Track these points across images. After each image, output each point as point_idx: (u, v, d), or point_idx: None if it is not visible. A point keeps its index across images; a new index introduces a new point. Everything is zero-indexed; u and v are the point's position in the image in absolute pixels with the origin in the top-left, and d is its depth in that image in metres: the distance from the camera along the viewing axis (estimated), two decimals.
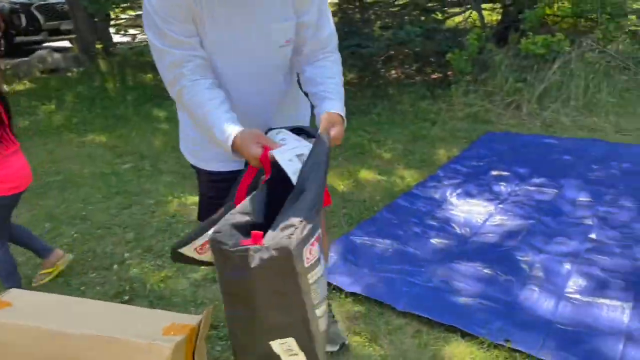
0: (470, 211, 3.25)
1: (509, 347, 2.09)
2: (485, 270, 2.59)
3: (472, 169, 3.89)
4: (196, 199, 2.89)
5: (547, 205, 3.25)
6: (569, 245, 2.81)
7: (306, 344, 1.25)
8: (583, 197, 3.37)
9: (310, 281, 1.20)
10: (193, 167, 1.83)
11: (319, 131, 1.47)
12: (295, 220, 1.18)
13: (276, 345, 1.25)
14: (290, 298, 1.19)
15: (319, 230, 1.24)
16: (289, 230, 1.16)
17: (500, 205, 3.29)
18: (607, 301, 2.33)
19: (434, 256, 2.75)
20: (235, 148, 1.44)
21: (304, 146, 1.44)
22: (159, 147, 4.72)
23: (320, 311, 1.26)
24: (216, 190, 1.75)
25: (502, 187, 3.54)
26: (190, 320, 1.62)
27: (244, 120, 1.52)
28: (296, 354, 1.26)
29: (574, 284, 2.47)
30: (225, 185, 1.58)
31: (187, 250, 1.48)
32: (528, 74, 5.24)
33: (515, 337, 2.14)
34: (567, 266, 2.61)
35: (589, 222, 3.04)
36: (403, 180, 3.82)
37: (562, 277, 2.53)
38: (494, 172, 3.80)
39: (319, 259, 1.22)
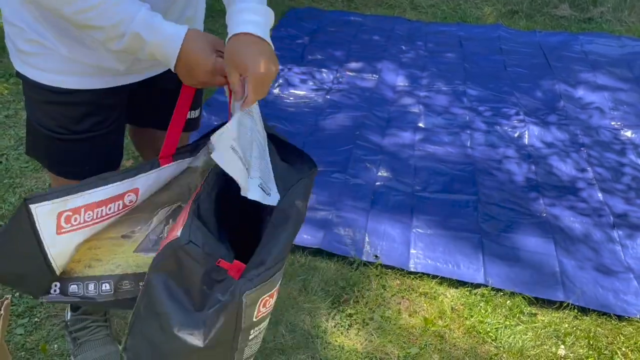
0: (298, 105, 2.95)
1: (379, 264, 1.95)
2: (335, 175, 2.37)
3: (287, 52, 3.53)
4: None
5: (372, 94, 3.11)
6: (402, 137, 2.73)
7: None
8: (401, 82, 3.31)
9: (251, 337, 0.88)
10: (19, 75, 1.12)
11: (246, 93, 0.92)
12: (268, 257, 0.83)
13: None
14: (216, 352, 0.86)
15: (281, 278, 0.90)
16: (255, 271, 0.81)
17: (328, 96, 3.05)
18: (456, 197, 2.32)
19: None
20: (182, 55, 0.93)
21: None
22: None
23: None
24: (59, 119, 1.10)
25: (324, 75, 3.28)
26: None
27: None
28: None
29: (421, 181, 2.42)
30: (78, 113, 0.97)
31: (47, 215, 0.94)
32: None
33: (382, 250, 2.01)
34: (410, 161, 2.54)
35: (415, 109, 3.00)
36: None
37: (409, 175, 2.44)
38: (311, 57, 3.51)
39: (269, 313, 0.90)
